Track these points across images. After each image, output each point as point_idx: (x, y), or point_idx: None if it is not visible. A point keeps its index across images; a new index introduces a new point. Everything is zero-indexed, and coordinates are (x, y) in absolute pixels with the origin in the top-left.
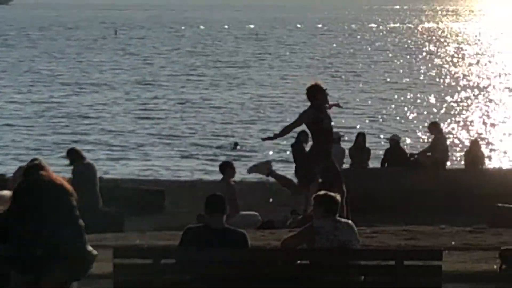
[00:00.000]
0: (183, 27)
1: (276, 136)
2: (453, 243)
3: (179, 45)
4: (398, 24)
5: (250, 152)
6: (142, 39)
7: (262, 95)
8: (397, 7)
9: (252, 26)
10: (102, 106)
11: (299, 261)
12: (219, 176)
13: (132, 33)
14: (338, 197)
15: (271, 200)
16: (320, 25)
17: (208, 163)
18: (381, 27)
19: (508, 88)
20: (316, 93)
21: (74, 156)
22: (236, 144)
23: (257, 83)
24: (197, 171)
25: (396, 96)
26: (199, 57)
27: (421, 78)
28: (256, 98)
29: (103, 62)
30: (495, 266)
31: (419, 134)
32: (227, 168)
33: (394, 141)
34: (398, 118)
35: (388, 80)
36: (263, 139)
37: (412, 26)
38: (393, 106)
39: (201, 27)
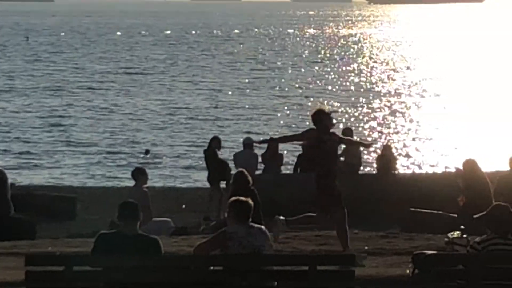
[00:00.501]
0: (95, 33)
1: (271, 140)
2: (366, 247)
3: (92, 52)
4: (314, 30)
5: (161, 159)
6: (52, 45)
7: (173, 101)
8: (312, 12)
9: (168, 32)
10: (12, 114)
11: (212, 267)
12: (132, 183)
13: (43, 40)
14: (251, 202)
15: (184, 206)
16: (237, 31)
17: (120, 169)
18: (297, 32)
19: (420, 94)
20: (322, 118)
21: None
22: (147, 151)
23: (168, 89)
24: (109, 177)
25: (309, 103)
26: (110, 63)
27: (334, 83)
28: (167, 104)
29: (14, 68)
30: (407, 271)
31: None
32: (139, 174)
33: (304, 146)
34: (311, 123)
35: (300, 86)
36: (258, 142)
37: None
38: (306, 112)
39: (118, 33)
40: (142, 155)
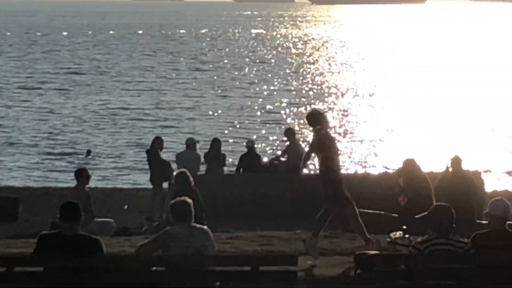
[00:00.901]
0: (38, 33)
1: (301, 169)
2: None
3: (33, 51)
4: (258, 31)
5: (103, 159)
6: None
7: (114, 102)
8: (256, 12)
9: (111, 32)
10: None
11: (154, 268)
12: (74, 183)
13: None
14: (191, 202)
15: (126, 206)
16: (180, 31)
17: (61, 170)
18: (241, 32)
19: (361, 95)
20: (319, 119)
21: None
22: (89, 151)
23: (110, 89)
24: (50, 178)
25: (249, 103)
26: (51, 64)
27: (275, 84)
28: (108, 104)
29: None
30: (350, 271)
31: (274, 139)
32: (81, 175)
33: (249, 147)
34: (253, 124)
35: (242, 86)
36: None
37: (273, 32)
38: (248, 112)
39: (64, 33)
40: (83, 156)
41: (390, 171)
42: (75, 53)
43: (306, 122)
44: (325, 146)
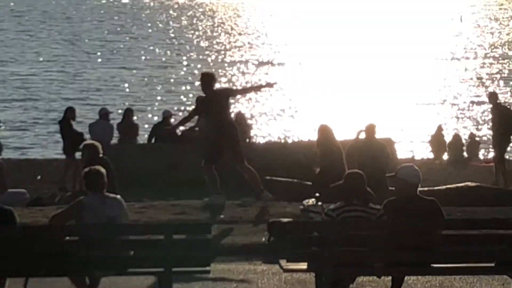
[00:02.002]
0: None
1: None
2: (222, 216)
3: None
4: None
5: (12, 131)
6: None
7: (21, 73)
8: None
9: (12, 4)
10: None
11: (67, 238)
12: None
13: None
14: (104, 171)
15: (39, 177)
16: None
17: None
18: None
19: (277, 63)
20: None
21: None
22: None
23: (14, 60)
24: None
25: (161, 73)
26: None
27: (182, 52)
28: (15, 75)
29: None
30: (263, 239)
31: (187, 108)
32: None
33: (165, 116)
34: (166, 94)
35: (149, 58)
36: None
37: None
38: (161, 83)
39: None
40: None
41: (304, 139)
42: None
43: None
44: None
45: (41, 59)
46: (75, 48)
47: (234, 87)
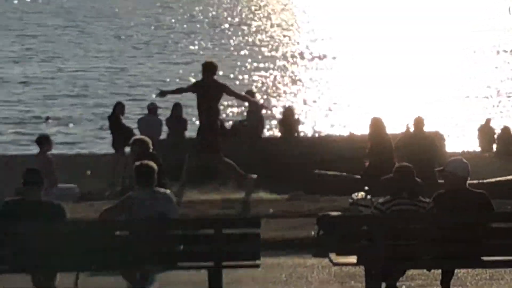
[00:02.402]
0: None
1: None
2: (271, 210)
3: None
4: None
5: (61, 126)
6: None
7: (70, 69)
8: None
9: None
10: None
11: (117, 232)
12: (36, 150)
13: None
14: (155, 166)
15: (89, 172)
16: None
17: (24, 137)
18: None
19: (320, 56)
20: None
21: None
22: (48, 117)
23: (63, 57)
24: (12, 145)
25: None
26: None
27: (229, 46)
28: (63, 71)
29: None
30: (312, 233)
31: (236, 102)
32: (44, 141)
33: None
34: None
35: (198, 52)
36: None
37: None
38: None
39: (15, 1)
40: (44, 122)
41: (354, 133)
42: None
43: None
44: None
45: (89, 54)
46: (123, 43)
47: (232, 89)
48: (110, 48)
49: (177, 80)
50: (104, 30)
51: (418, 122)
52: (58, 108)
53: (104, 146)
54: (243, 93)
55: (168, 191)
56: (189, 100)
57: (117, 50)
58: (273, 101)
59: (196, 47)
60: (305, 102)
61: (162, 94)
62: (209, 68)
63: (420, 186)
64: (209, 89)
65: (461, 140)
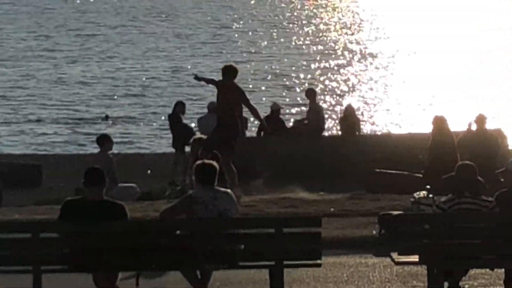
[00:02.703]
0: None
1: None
2: (332, 209)
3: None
4: None
5: (120, 124)
6: None
7: (129, 68)
8: None
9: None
10: None
11: (178, 232)
12: (96, 150)
13: None
14: (216, 165)
15: (149, 171)
16: None
17: (83, 137)
18: None
19: (376, 56)
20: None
21: None
22: (107, 116)
23: (122, 56)
24: (72, 144)
25: (266, 67)
26: (61, 30)
27: (294, 44)
28: (122, 71)
29: None
30: (374, 232)
31: (298, 101)
32: (105, 140)
33: (274, 109)
34: (277, 86)
35: (255, 50)
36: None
37: None
38: (266, 75)
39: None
40: (103, 121)
41: (415, 132)
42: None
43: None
44: None
45: (148, 54)
46: (182, 42)
47: (245, 96)
48: (168, 46)
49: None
50: (163, 29)
51: (480, 120)
52: (117, 108)
53: (164, 145)
54: (253, 105)
55: (229, 191)
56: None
57: (175, 48)
58: (334, 100)
59: (256, 46)
60: (365, 101)
61: (197, 78)
62: (229, 72)
63: (482, 185)
64: (228, 90)
65: None
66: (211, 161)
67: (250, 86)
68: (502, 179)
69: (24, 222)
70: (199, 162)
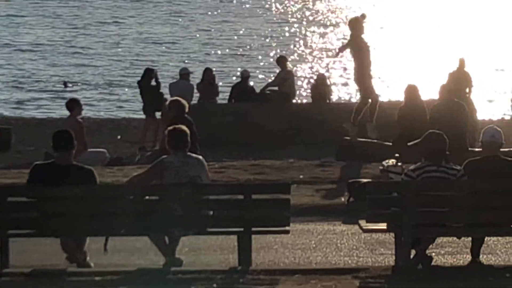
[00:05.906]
0: None
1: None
2: (301, 176)
3: None
4: None
5: (90, 91)
6: None
7: (105, 34)
8: None
9: None
10: None
11: (147, 197)
12: (66, 114)
13: None
14: (188, 131)
15: (119, 137)
16: None
17: (54, 101)
18: None
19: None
20: None
21: None
22: (65, 83)
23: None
24: (42, 109)
25: (241, 32)
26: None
27: (271, 14)
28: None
29: None
30: (342, 199)
31: (267, 68)
32: (75, 105)
33: (243, 76)
34: (245, 52)
35: (234, 17)
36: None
37: None
38: (241, 40)
39: None
40: (62, 87)
41: (386, 100)
42: None
43: None
44: None
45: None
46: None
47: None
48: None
49: (207, 47)
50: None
51: (449, 91)
52: (89, 72)
53: (134, 110)
54: None
55: (200, 157)
56: (220, 65)
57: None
58: (306, 68)
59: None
60: (337, 70)
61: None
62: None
63: (450, 155)
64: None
65: (492, 107)
66: (182, 126)
67: (219, 55)
68: (471, 148)
69: None
70: (171, 127)
